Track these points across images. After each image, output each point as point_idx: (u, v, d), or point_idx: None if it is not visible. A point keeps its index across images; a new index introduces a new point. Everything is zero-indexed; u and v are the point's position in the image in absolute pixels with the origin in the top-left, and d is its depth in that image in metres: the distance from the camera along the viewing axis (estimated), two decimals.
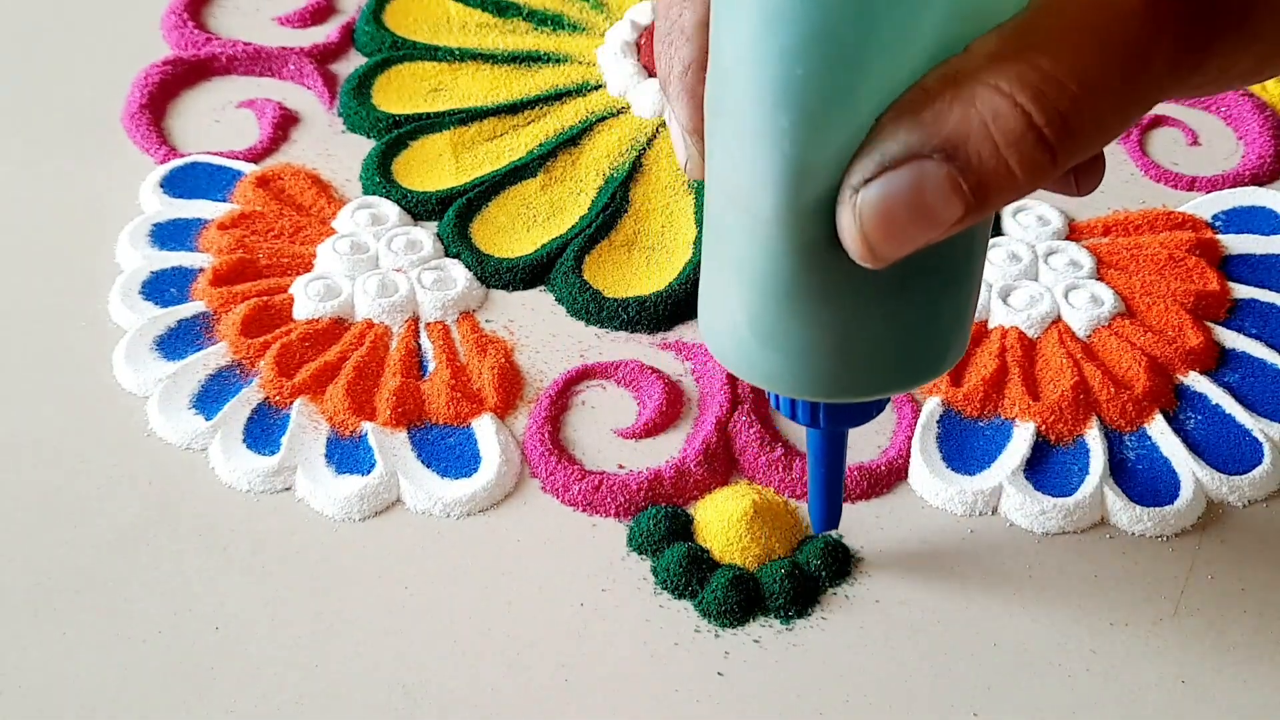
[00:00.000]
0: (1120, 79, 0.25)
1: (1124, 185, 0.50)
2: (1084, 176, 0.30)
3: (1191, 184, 0.50)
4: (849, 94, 0.25)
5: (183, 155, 0.50)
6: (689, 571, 0.37)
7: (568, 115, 0.52)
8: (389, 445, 0.40)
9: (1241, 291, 0.46)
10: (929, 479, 0.39)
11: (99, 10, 0.57)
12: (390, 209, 0.48)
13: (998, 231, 0.48)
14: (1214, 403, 0.42)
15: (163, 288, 0.44)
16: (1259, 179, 0.50)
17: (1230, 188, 0.50)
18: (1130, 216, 0.48)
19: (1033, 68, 0.24)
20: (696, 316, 0.45)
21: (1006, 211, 0.48)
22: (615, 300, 0.45)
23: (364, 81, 0.53)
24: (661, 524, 0.38)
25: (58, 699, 0.34)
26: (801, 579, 0.37)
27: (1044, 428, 0.41)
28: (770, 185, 0.26)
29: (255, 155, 0.50)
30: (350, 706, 0.34)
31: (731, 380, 0.42)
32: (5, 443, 0.40)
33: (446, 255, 0.46)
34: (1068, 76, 0.24)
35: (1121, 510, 0.39)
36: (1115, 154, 0.51)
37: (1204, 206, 0.49)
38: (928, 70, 0.25)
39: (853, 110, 0.25)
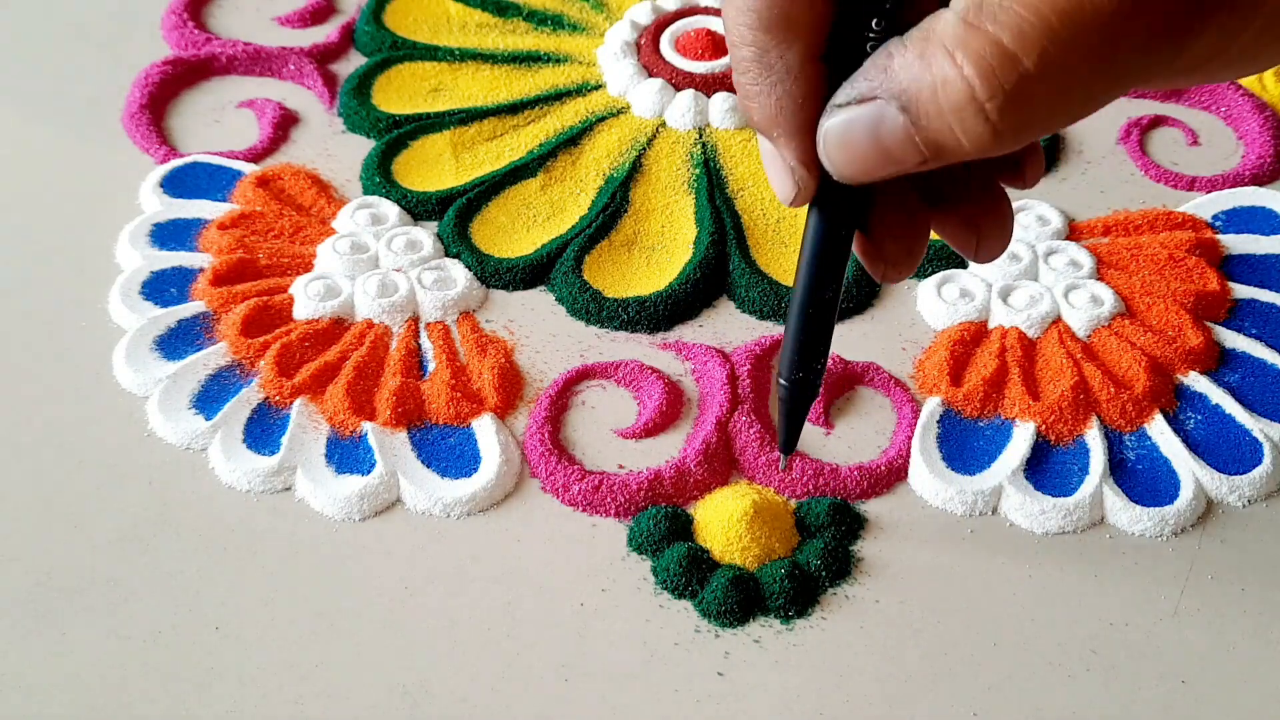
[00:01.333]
0: (1084, 61, 0.25)
1: (1124, 185, 0.50)
2: (984, 244, 0.31)
3: (1191, 184, 0.50)
4: None
5: (183, 155, 0.50)
6: (689, 571, 0.37)
7: (568, 115, 0.52)
8: (389, 445, 0.40)
9: (1241, 291, 0.46)
10: (929, 479, 0.39)
11: (99, 10, 0.57)
12: (390, 209, 0.48)
13: None
14: (1214, 403, 0.42)
15: (163, 288, 0.44)
16: (1259, 179, 0.50)
17: (1230, 188, 0.50)
18: (1130, 216, 0.48)
19: (989, 41, 0.25)
20: (696, 316, 0.45)
21: None
22: (615, 300, 0.45)
23: (364, 81, 0.53)
24: (661, 524, 0.38)
25: (58, 699, 0.34)
26: (801, 579, 0.37)
27: (1044, 428, 0.41)
28: None
29: (255, 155, 0.50)
30: (350, 707, 0.34)
31: (731, 380, 0.42)
32: (5, 443, 0.40)
33: (446, 255, 0.46)
34: (1025, 53, 0.24)
35: (1121, 510, 0.39)
36: (1115, 154, 0.51)
37: (1204, 206, 0.49)
38: None
39: None
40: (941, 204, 0.31)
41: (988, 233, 0.31)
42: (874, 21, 0.27)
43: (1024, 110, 0.25)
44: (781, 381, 0.33)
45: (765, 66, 0.28)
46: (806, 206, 0.30)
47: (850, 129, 0.27)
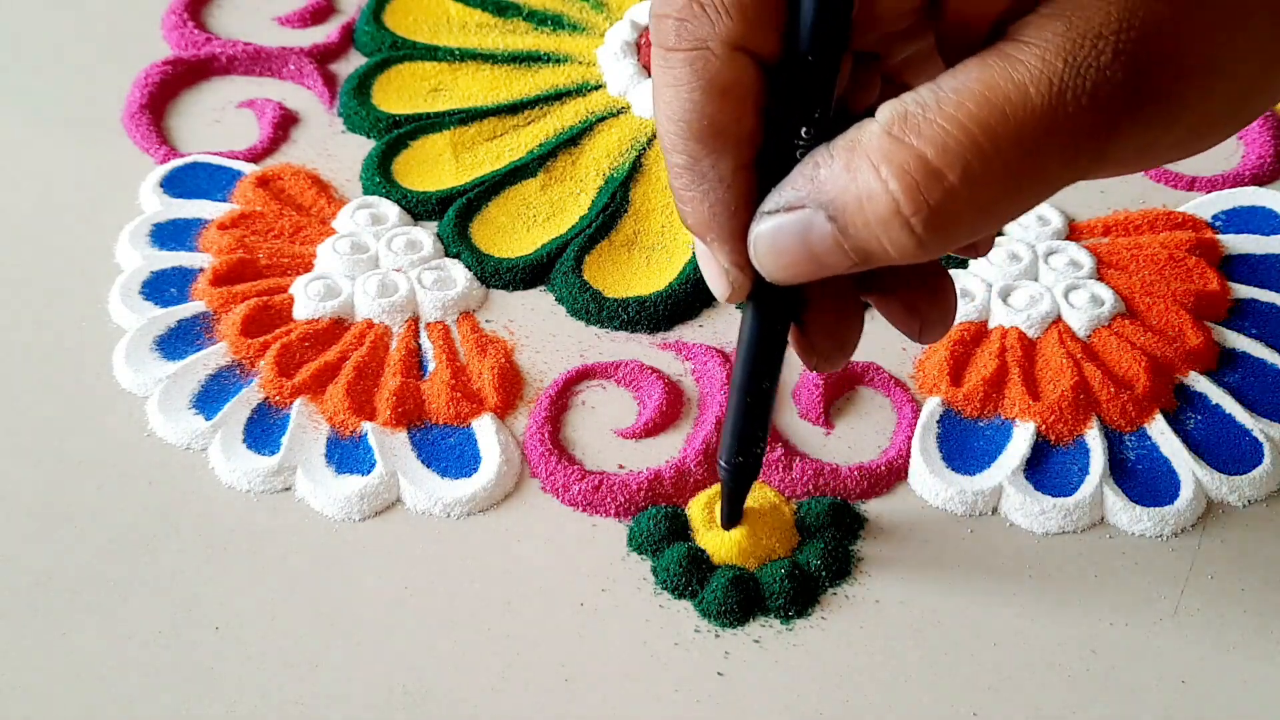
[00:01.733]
0: (1007, 172, 0.25)
1: (1124, 185, 0.50)
2: (926, 327, 0.31)
3: (1191, 184, 0.50)
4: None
5: (183, 155, 0.50)
6: (689, 571, 0.37)
7: (568, 115, 0.52)
8: (389, 445, 0.40)
9: (1241, 291, 0.46)
10: (929, 479, 0.39)
11: (99, 10, 0.57)
12: (390, 209, 0.48)
13: (998, 231, 0.48)
14: (1214, 403, 0.42)
15: (163, 288, 0.44)
16: (1259, 179, 0.50)
17: (1230, 188, 0.50)
18: (1130, 216, 0.48)
19: (913, 155, 0.25)
20: (696, 316, 0.45)
21: None
22: (615, 300, 0.45)
23: (364, 81, 0.53)
24: (661, 524, 0.38)
25: (58, 699, 0.34)
26: (801, 579, 0.37)
27: (1044, 428, 0.41)
28: None
29: (255, 155, 0.50)
30: (350, 706, 0.34)
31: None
32: (5, 443, 0.40)
33: (446, 255, 0.46)
34: (948, 168, 0.25)
35: (1121, 510, 0.39)
36: None
37: (1204, 206, 0.49)
38: None
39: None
40: (881, 289, 0.31)
41: (929, 316, 0.31)
42: (803, 130, 0.28)
43: (948, 222, 0.25)
44: (722, 464, 0.35)
45: (698, 175, 0.28)
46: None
47: (779, 235, 0.27)
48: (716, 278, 0.30)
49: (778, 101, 0.28)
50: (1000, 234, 0.47)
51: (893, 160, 0.25)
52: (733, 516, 0.37)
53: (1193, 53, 0.25)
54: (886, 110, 0.26)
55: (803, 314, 0.31)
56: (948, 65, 0.27)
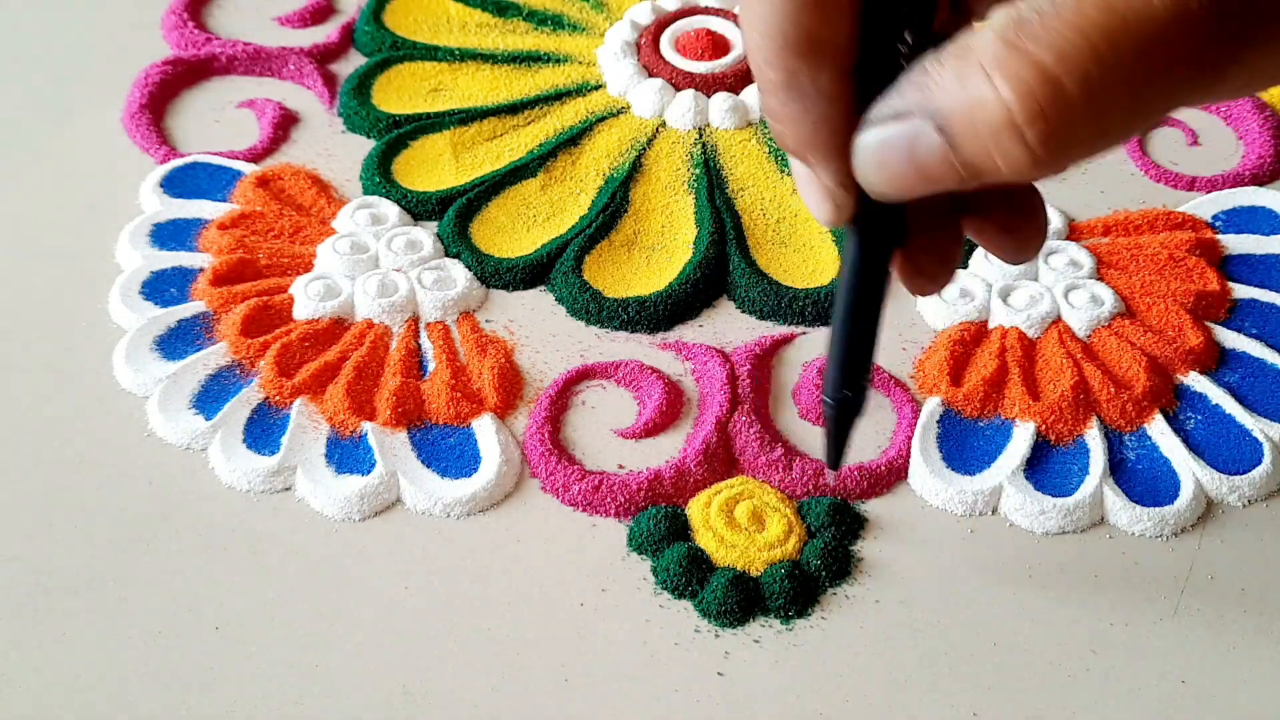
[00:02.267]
0: (1130, 87, 0.24)
1: (1124, 185, 0.50)
2: (1021, 247, 0.30)
3: (1191, 184, 0.50)
4: None
5: (183, 155, 0.50)
6: (689, 571, 0.37)
7: (568, 115, 0.52)
8: (389, 445, 0.40)
9: (1241, 291, 0.46)
10: (929, 479, 0.39)
11: (99, 10, 0.57)
12: (390, 209, 0.48)
13: None
14: (1214, 403, 0.42)
15: (163, 288, 0.44)
16: (1259, 179, 0.50)
17: (1230, 188, 0.50)
18: (1130, 216, 0.48)
19: (1030, 62, 0.24)
20: (696, 316, 0.45)
21: None
22: (615, 300, 0.45)
23: (364, 81, 0.53)
24: (661, 524, 0.38)
25: (58, 699, 0.34)
26: (801, 579, 0.37)
27: (1044, 428, 0.41)
28: None
29: (255, 155, 0.50)
30: (350, 707, 0.34)
31: (731, 380, 0.42)
32: (5, 443, 0.40)
33: (446, 255, 0.46)
34: (1067, 76, 0.24)
35: (1121, 510, 0.39)
36: (1115, 154, 0.51)
37: (1204, 206, 0.49)
38: None
39: None
40: (975, 210, 0.30)
41: (1023, 235, 0.30)
42: (905, 34, 0.27)
43: (1064, 136, 0.24)
44: (827, 400, 0.32)
45: (796, 90, 0.27)
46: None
47: (886, 147, 0.26)
48: (819, 199, 0.29)
49: (875, 6, 0.27)
50: None
51: (1007, 67, 0.24)
52: (838, 455, 0.34)
53: None
54: (1001, 15, 0.24)
55: (904, 237, 0.30)
56: None
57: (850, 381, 0.32)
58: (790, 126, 0.28)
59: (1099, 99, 0.24)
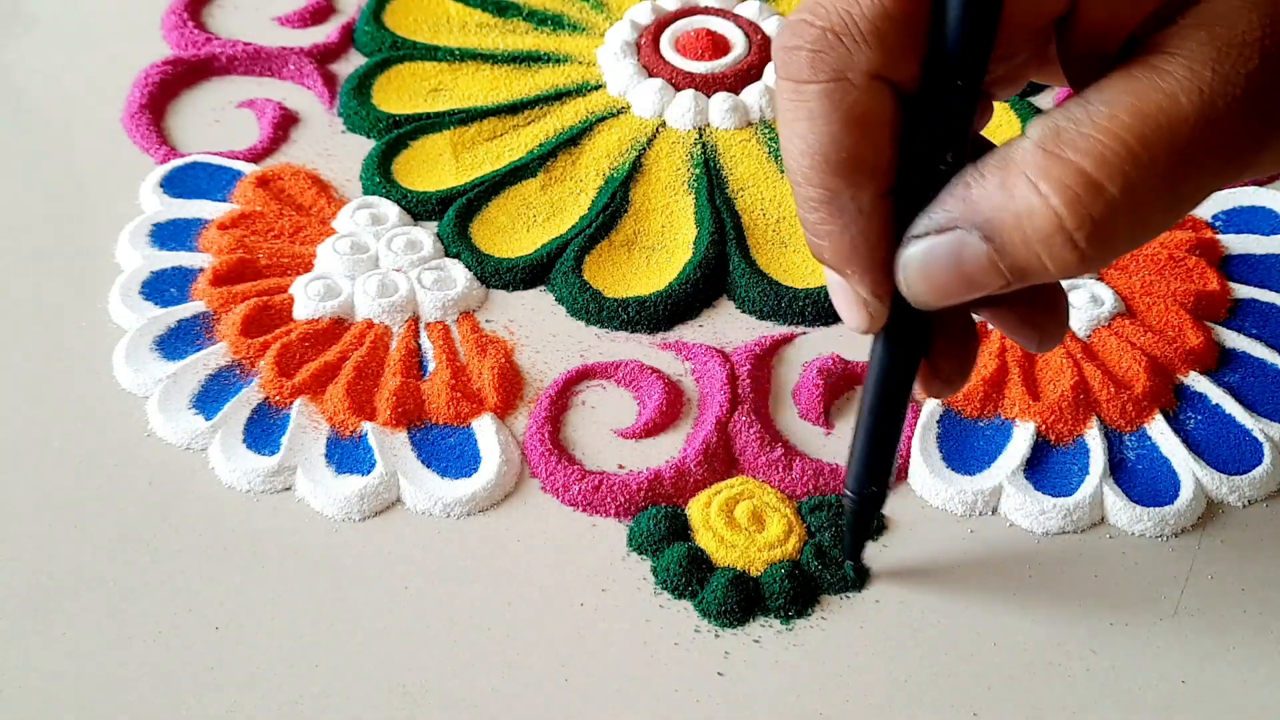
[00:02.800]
0: (1167, 184, 0.25)
1: None
2: (1045, 338, 0.31)
3: None
4: None
5: (183, 155, 0.50)
6: (689, 571, 0.37)
7: (568, 115, 0.52)
8: (389, 445, 0.40)
9: (1241, 291, 0.46)
10: (929, 479, 0.39)
11: (99, 10, 0.57)
12: (390, 209, 0.48)
13: None
14: (1214, 403, 0.42)
15: (163, 288, 0.44)
16: (1259, 179, 0.50)
17: (1230, 188, 0.50)
18: None
19: (1073, 169, 0.25)
20: (696, 316, 0.45)
21: None
22: (615, 300, 0.45)
23: (364, 81, 0.53)
24: (661, 524, 0.38)
25: (58, 699, 0.34)
26: (801, 579, 0.37)
27: (1044, 428, 0.41)
28: None
29: (255, 155, 0.50)
30: (350, 706, 0.34)
31: (731, 380, 0.42)
32: (5, 443, 0.40)
33: (446, 255, 0.46)
34: (1109, 180, 0.25)
35: (1121, 510, 0.39)
36: None
37: (1204, 206, 0.49)
38: None
39: None
40: (997, 304, 0.31)
41: (1046, 327, 0.31)
42: (948, 155, 0.27)
43: (1111, 235, 0.25)
44: (851, 493, 0.34)
45: (836, 208, 0.28)
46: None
47: (932, 259, 0.27)
48: (854, 309, 0.30)
49: (917, 128, 0.27)
50: None
51: (1051, 175, 0.25)
52: (857, 547, 0.36)
53: None
54: (1037, 127, 0.26)
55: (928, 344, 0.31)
56: (1072, 82, 0.27)
57: (876, 478, 0.34)
58: (830, 241, 0.28)
59: (1139, 198, 0.25)
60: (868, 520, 0.36)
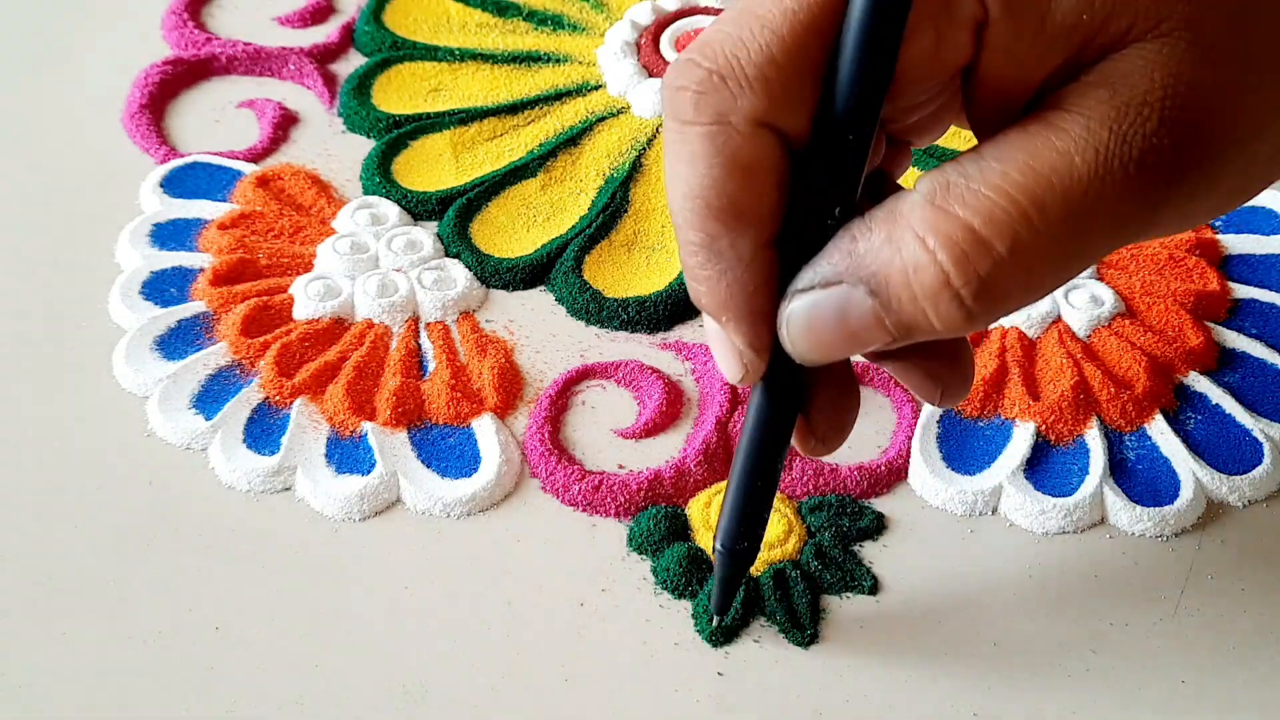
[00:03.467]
0: (1058, 244, 0.24)
1: None
2: (948, 393, 0.31)
3: None
4: None
5: (183, 155, 0.50)
6: (689, 571, 0.37)
7: (568, 115, 0.52)
8: (389, 445, 0.40)
9: (1241, 291, 0.46)
10: (929, 479, 0.39)
11: (99, 10, 0.57)
12: (390, 209, 0.48)
13: None
14: (1214, 403, 0.42)
15: (163, 288, 0.44)
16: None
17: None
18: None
19: (961, 226, 0.24)
20: (696, 316, 0.45)
21: None
22: (615, 300, 0.45)
23: (364, 81, 0.53)
24: (661, 524, 0.38)
25: (58, 699, 0.34)
26: (802, 579, 0.37)
27: (1044, 428, 0.41)
28: None
29: (255, 155, 0.50)
30: (350, 706, 0.34)
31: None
32: (5, 443, 0.40)
33: (446, 255, 0.46)
34: (998, 239, 0.24)
35: (1121, 510, 0.39)
36: None
37: None
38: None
39: None
40: (898, 358, 0.30)
41: (949, 382, 0.31)
42: (835, 210, 0.27)
43: (998, 293, 0.25)
44: (720, 549, 0.33)
45: (714, 254, 0.27)
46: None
47: (815, 314, 0.27)
48: (729, 359, 0.29)
49: (804, 180, 0.27)
50: None
51: (939, 231, 0.24)
52: (726, 602, 0.35)
53: (1237, 115, 0.25)
54: (927, 181, 0.25)
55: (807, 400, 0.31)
56: (978, 134, 0.26)
57: (749, 532, 0.33)
58: (707, 287, 0.28)
59: (1029, 257, 0.24)
60: (739, 575, 0.34)
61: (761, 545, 0.34)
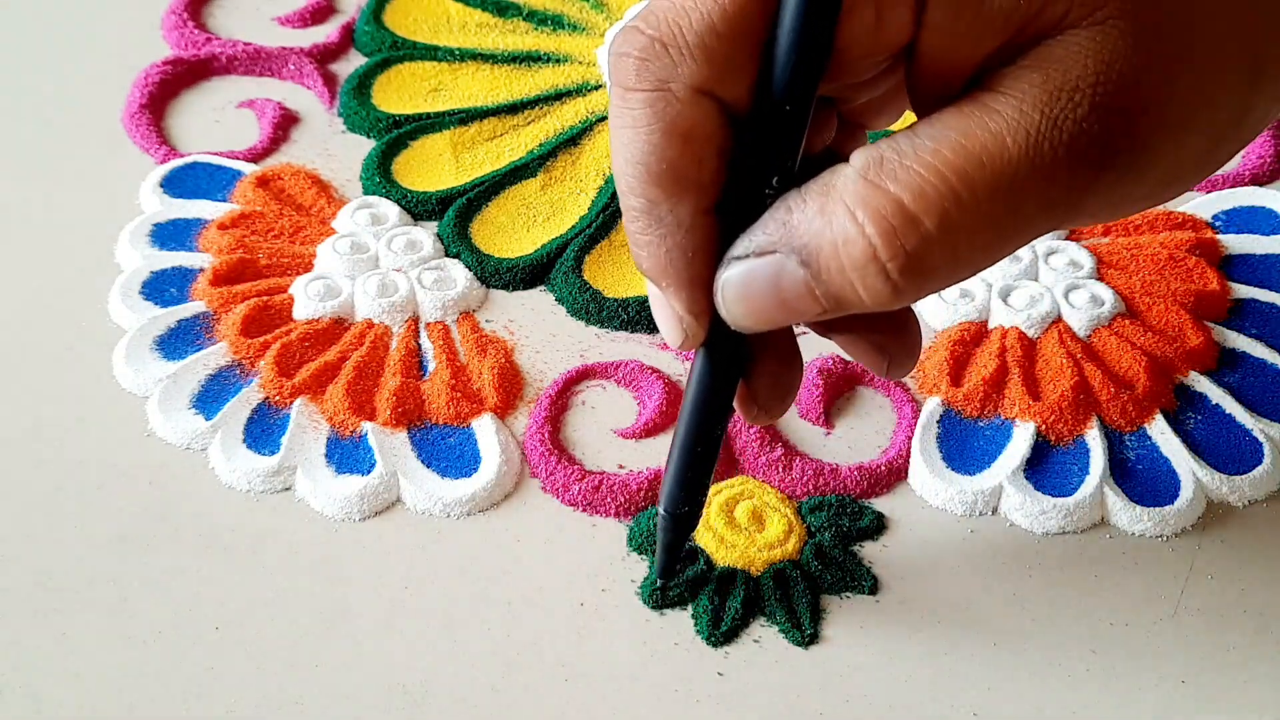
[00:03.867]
0: (986, 223, 0.25)
1: None
2: (894, 364, 0.31)
3: None
4: None
5: (183, 155, 0.50)
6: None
7: (568, 115, 0.52)
8: (389, 445, 0.40)
9: (1241, 291, 0.46)
10: (929, 479, 0.39)
11: (99, 10, 0.57)
12: (390, 209, 0.48)
13: None
14: (1214, 403, 0.42)
15: (163, 288, 0.44)
16: (1259, 179, 0.50)
17: (1230, 188, 0.50)
18: (1130, 216, 0.48)
19: (890, 200, 0.25)
20: None
21: None
22: (615, 300, 0.45)
23: (364, 81, 0.53)
24: None
25: (58, 699, 0.34)
26: (802, 579, 0.37)
27: (1044, 428, 0.41)
28: None
29: (255, 155, 0.50)
30: (350, 706, 0.34)
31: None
32: (5, 442, 0.40)
33: (446, 255, 0.46)
34: (926, 214, 0.25)
35: (1121, 510, 0.39)
36: None
37: (1204, 206, 0.49)
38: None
39: None
40: (846, 330, 0.31)
41: (896, 354, 0.31)
42: (774, 179, 0.27)
43: (925, 269, 0.25)
44: (664, 513, 0.34)
45: (654, 219, 0.28)
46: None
47: (749, 282, 0.27)
48: (670, 325, 0.30)
49: (743, 149, 0.27)
50: None
51: (869, 205, 0.25)
52: (669, 568, 0.36)
53: (1169, 105, 0.25)
54: (861, 156, 0.26)
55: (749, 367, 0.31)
56: (920, 116, 0.27)
57: (690, 497, 0.33)
58: (647, 252, 0.28)
59: (956, 235, 0.25)
60: (681, 539, 0.35)
61: (703, 510, 0.34)
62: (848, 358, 0.43)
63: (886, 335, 0.31)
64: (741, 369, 0.31)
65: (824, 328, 0.31)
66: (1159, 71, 0.25)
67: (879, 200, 0.25)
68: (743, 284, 0.27)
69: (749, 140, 0.27)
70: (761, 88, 0.27)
